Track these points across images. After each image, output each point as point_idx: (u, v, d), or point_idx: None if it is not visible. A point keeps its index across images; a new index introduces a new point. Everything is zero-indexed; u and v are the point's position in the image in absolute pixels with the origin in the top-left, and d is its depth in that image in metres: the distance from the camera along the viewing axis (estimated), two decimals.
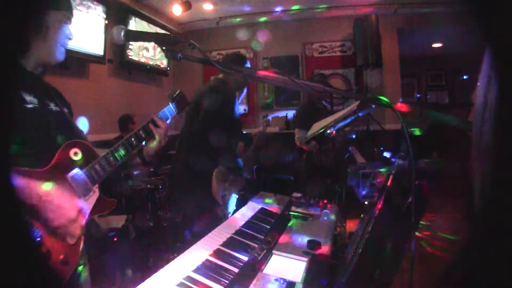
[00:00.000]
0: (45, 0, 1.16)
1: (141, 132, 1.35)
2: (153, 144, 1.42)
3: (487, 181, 0.52)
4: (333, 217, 1.72)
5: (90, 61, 3.87)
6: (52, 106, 1.25)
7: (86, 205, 1.17)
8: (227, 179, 2.34)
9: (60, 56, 1.22)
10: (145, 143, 1.41)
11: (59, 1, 1.18)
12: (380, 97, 0.92)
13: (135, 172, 3.41)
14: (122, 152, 1.27)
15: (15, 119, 1.03)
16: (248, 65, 2.61)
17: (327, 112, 3.24)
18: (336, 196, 3.15)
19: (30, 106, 1.13)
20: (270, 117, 5.59)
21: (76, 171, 1.16)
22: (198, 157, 2.19)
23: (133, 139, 1.32)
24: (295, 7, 5.23)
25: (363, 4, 5.11)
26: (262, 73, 1.10)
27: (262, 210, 1.72)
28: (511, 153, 0.45)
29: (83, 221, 1.09)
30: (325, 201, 1.86)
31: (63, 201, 1.05)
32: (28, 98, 1.14)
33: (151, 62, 4.88)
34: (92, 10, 3.74)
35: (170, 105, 1.48)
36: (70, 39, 1.23)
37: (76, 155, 1.18)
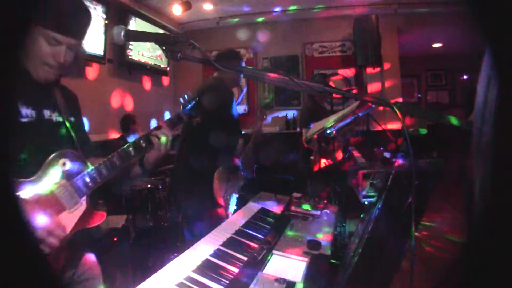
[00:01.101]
0: (35, 14, 1.11)
1: (141, 141, 1.26)
2: (153, 152, 1.32)
3: (487, 181, 0.52)
4: (333, 217, 1.72)
5: (90, 61, 3.88)
6: (54, 116, 1.22)
7: (69, 218, 1.11)
8: (228, 179, 2.35)
9: (44, 74, 1.15)
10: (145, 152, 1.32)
11: (47, 20, 1.09)
12: (380, 97, 0.92)
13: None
14: (117, 163, 1.20)
15: (8, 133, 1.01)
16: (242, 62, 2.64)
17: (331, 111, 3.24)
18: (336, 196, 3.15)
19: (25, 120, 1.11)
20: (270, 117, 5.59)
21: (62, 183, 1.11)
22: (199, 157, 2.19)
23: (131, 149, 1.24)
24: (295, 7, 5.23)
25: (363, 4, 5.11)
26: (262, 73, 1.10)
27: (262, 210, 1.72)
28: (511, 153, 0.45)
29: (61, 234, 1.05)
30: (325, 201, 1.86)
31: (39, 213, 1.01)
32: (25, 111, 1.11)
33: (151, 62, 4.88)
34: (92, 10, 3.74)
35: (181, 110, 1.41)
36: (60, 62, 1.15)
37: (65, 165, 1.13)
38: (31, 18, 1.05)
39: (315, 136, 2.84)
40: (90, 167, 1.17)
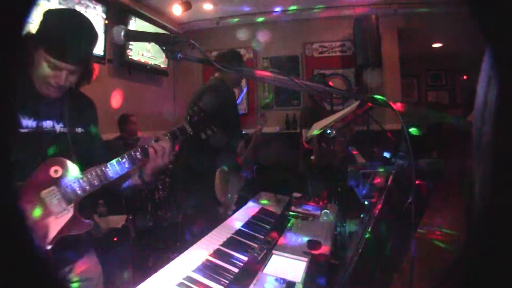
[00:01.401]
0: (40, 35, 1.12)
1: (138, 153, 1.24)
2: (150, 164, 1.29)
3: (487, 181, 0.52)
4: (333, 217, 1.72)
5: None
6: (58, 127, 1.24)
7: (55, 223, 1.13)
8: (229, 179, 2.35)
9: (48, 92, 1.19)
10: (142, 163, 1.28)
11: (47, 46, 1.11)
12: (380, 97, 0.92)
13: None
14: (109, 174, 1.20)
15: (7, 144, 1.02)
16: (244, 63, 2.64)
17: (332, 111, 3.23)
18: (336, 196, 3.15)
19: (24, 130, 1.14)
20: (268, 117, 5.58)
21: (51, 189, 1.13)
22: (199, 157, 2.19)
23: (124, 160, 1.22)
24: (295, 7, 5.23)
25: (363, 4, 5.10)
26: (262, 73, 1.10)
27: (262, 210, 1.72)
28: (511, 153, 0.45)
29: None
30: (325, 201, 1.86)
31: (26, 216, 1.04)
32: (25, 122, 1.15)
33: (151, 62, 4.88)
34: (92, 10, 3.74)
35: (186, 124, 1.34)
36: (60, 85, 1.17)
37: (56, 172, 1.15)
38: (37, 43, 1.09)
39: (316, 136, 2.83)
40: (81, 176, 1.17)
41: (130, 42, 4.23)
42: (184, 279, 0.98)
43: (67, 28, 1.17)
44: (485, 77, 0.53)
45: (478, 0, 0.48)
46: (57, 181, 1.14)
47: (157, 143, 1.27)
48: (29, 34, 1.11)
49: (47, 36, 1.12)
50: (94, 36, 1.23)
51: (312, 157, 3.64)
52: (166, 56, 1.06)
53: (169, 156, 1.29)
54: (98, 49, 3.86)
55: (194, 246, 1.22)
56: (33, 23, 1.09)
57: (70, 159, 1.19)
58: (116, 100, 4.39)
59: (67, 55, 1.13)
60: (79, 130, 1.31)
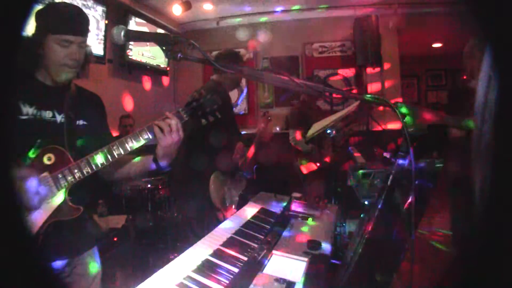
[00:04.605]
0: (44, 25, 1.21)
1: (129, 139, 1.23)
2: (160, 143, 1.25)
3: (487, 180, 0.52)
4: (333, 217, 1.73)
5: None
6: (59, 118, 1.29)
7: (46, 207, 1.18)
8: (226, 183, 2.33)
9: (66, 76, 1.28)
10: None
11: (56, 27, 1.21)
12: (381, 97, 0.92)
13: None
14: (100, 159, 1.21)
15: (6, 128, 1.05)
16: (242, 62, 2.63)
17: (322, 112, 3.23)
18: (336, 196, 3.15)
19: (24, 117, 1.21)
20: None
21: (43, 175, 1.18)
22: (198, 158, 2.19)
23: (114, 148, 1.22)
24: (295, 7, 5.23)
25: (363, 4, 5.10)
26: (264, 73, 1.10)
27: (262, 210, 1.72)
28: (511, 153, 0.45)
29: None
30: (325, 201, 1.86)
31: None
32: (26, 109, 1.22)
33: (151, 62, 4.88)
34: (92, 10, 3.74)
35: (181, 110, 1.29)
36: (75, 59, 1.26)
37: (49, 159, 1.21)
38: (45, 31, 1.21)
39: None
40: (72, 164, 1.22)
41: (130, 42, 4.23)
42: (184, 279, 0.98)
43: (64, 6, 1.31)
44: (485, 77, 0.53)
45: (478, 1, 0.48)
46: (49, 168, 1.20)
47: (163, 120, 1.23)
48: (32, 32, 1.21)
49: (52, 20, 1.22)
50: (85, 13, 1.35)
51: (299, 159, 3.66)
52: (166, 56, 1.07)
53: (178, 133, 1.24)
54: (98, 49, 3.86)
55: (194, 246, 1.22)
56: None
57: (64, 149, 1.24)
58: (116, 100, 4.39)
59: (74, 28, 1.25)
60: (81, 122, 1.35)
